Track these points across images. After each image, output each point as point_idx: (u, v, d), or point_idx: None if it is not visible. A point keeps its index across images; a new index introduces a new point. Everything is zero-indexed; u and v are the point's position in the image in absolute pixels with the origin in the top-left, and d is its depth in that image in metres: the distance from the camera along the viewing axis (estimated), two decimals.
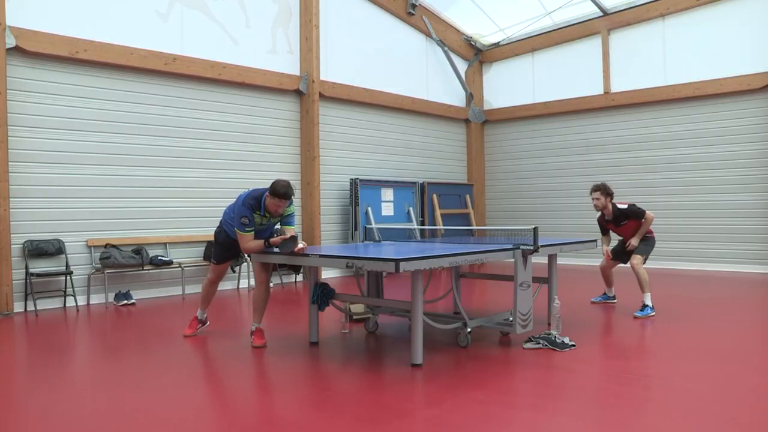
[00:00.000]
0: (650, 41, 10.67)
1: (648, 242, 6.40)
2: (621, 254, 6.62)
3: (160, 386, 3.83)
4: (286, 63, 9.44)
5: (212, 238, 8.35)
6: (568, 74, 11.70)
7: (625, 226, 6.43)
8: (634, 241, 6.31)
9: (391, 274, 9.91)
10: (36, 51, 6.91)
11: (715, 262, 10.00)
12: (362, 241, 6.43)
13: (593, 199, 6.39)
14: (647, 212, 6.30)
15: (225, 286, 8.67)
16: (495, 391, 3.59)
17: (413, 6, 11.22)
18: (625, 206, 6.40)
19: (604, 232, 6.75)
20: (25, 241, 6.89)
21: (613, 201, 6.45)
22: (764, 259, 9.59)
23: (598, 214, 6.63)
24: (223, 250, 5.40)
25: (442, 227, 5.98)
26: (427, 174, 11.85)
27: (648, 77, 10.69)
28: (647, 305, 6.09)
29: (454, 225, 11.44)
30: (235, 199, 5.00)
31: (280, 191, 4.68)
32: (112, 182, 7.60)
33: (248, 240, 4.82)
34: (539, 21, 11.73)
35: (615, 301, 6.93)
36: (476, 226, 12.24)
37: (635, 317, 5.96)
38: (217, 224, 5.40)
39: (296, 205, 9.63)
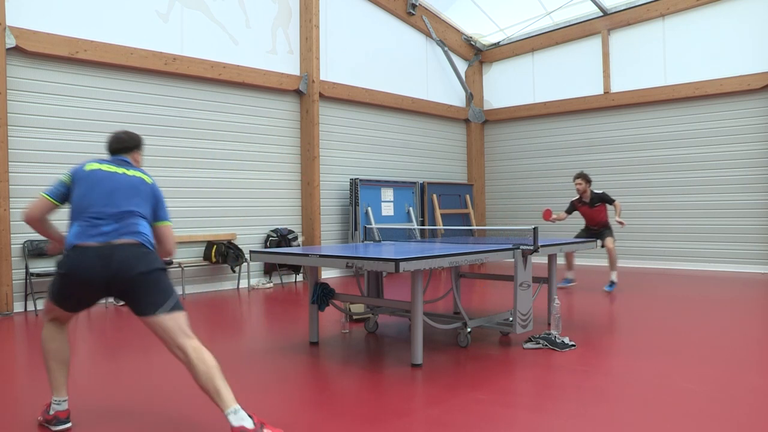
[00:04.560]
0: (650, 41, 10.67)
1: (610, 227, 7.97)
2: (587, 237, 7.88)
3: (159, 386, 3.83)
4: (286, 63, 9.45)
5: (213, 238, 8.47)
6: (568, 74, 11.71)
7: (597, 208, 7.87)
8: (621, 220, 7.60)
9: (391, 274, 9.92)
10: (36, 51, 6.91)
11: (715, 262, 10.00)
12: (362, 241, 6.43)
13: (576, 184, 7.88)
14: (616, 200, 7.89)
15: (224, 286, 8.68)
16: (495, 391, 3.59)
17: (413, 6, 11.22)
18: (600, 191, 7.92)
19: (570, 211, 8.10)
20: (25, 241, 6.89)
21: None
22: (764, 259, 9.59)
23: (575, 197, 8.07)
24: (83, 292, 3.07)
25: (442, 227, 5.99)
26: (427, 174, 11.86)
27: (648, 77, 10.69)
28: (614, 282, 7.70)
29: (454, 225, 11.44)
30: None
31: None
32: None
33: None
34: (539, 21, 11.74)
35: (575, 283, 8.35)
36: (476, 226, 12.24)
37: (606, 291, 7.55)
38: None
39: (296, 205, 9.70)
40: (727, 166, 9.98)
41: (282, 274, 9.28)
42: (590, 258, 11.25)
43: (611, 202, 7.78)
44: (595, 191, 7.90)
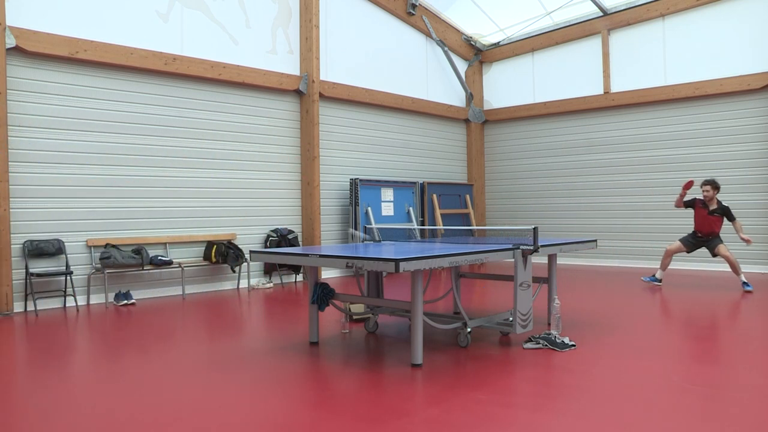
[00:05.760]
0: (650, 41, 10.67)
1: (720, 237, 7.87)
2: (693, 245, 7.99)
3: (159, 386, 3.83)
4: (286, 63, 9.45)
5: (213, 238, 8.47)
6: (568, 74, 11.71)
7: (715, 218, 7.77)
8: (747, 237, 7.56)
9: (391, 274, 9.92)
10: (36, 51, 6.91)
11: (715, 262, 9.99)
12: (362, 241, 6.43)
13: (704, 191, 7.76)
14: (737, 220, 7.82)
15: (224, 286, 8.68)
16: (495, 391, 3.59)
17: (413, 6, 11.22)
18: (726, 206, 7.81)
19: (688, 205, 7.97)
20: (25, 241, 6.89)
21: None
22: (764, 259, 9.59)
23: (689, 198, 8.02)
24: None
25: (442, 227, 6.01)
26: (427, 174, 11.86)
27: (648, 77, 10.69)
28: (746, 282, 7.58)
29: (454, 225, 11.44)
30: None
31: None
32: (112, 182, 7.60)
33: None
34: (539, 21, 11.74)
35: (661, 284, 8.20)
36: (476, 226, 12.24)
37: (748, 291, 7.47)
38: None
39: (296, 205, 9.70)
40: (727, 166, 9.98)
41: (282, 274, 9.28)
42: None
43: (732, 219, 7.70)
44: (723, 203, 7.88)
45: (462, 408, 3.29)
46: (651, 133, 10.76)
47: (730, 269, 8.00)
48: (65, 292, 7.11)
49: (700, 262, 10.05)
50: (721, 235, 7.99)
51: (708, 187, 7.75)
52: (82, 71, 7.39)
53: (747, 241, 7.48)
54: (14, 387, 3.91)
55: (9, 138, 6.77)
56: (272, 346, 4.88)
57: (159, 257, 7.71)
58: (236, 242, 8.74)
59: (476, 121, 12.85)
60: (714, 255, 7.84)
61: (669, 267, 9.22)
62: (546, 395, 3.51)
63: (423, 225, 11.01)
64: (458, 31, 12.47)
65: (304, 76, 9.55)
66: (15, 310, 6.82)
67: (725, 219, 7.77)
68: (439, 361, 4.32)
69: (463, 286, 8.35)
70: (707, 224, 7.82)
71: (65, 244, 7.17)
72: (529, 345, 4.69)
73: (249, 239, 8.98)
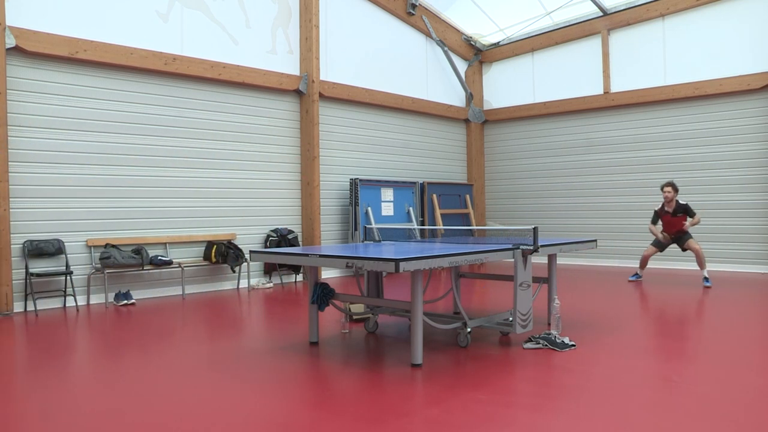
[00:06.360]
0: (650, 41, 10.68)
1: (688, 232, 8.35)
2: (664, 245, 8.46)
3: (159, 386, 3.83)
4: (286, 63, 9.45)
5: (213, 238, 8.48)
6: (568, 74, 11.71)
7: (678, 218, 8.25)
8: (689, 225, 8.18)
9: (391, 274, 9.92)
10: (36, 51, 6.91)
11: (715, 262, 10.00)
12: (362, 241, 6.44)
13: (665, 192, 8.24)
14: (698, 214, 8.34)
15: (224, 286, 8.68)
16: (495, 391, 3.59)
17: (413, 6, 11.22)
18: (684, 203, 8.31)
19: (656, 221, 8.48)
20: (25, 241, 6.89)
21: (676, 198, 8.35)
22: (764, 259, 9.59)
23: (658, 206, 8.46)
24: None
25: (441, 227, 6.01)
26: (427, 174, 11.86)
27: (648, 77, 10.69)
28: (707, 278, 8.10)
29: (454, 225, 11.44)
30: None
31: None
32: (112, 182, 7.60)
33: None
34: (539, 21, 11.74)
35: (642, 278, 8.87)
36: (476, 226, 12.24)
37: (706, 287, 7.94)
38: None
39: (296, 205, 9.71)
40: (727, 166, 9.98)
41: (282, 274, 9.28)
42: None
43: (693, 215, 8.21)
44: (680, 202, 8.30)
45: (462, 408, 3.29)
46: (650, 133, 10.76)
47: (717, 269, 8.35)
48: (65, 292, 7.11)
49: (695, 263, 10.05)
50: (690, 231, 8.50)
51: (669, 188, 8.25)
52: (82, 71, 7.39)
53: (692, 224, 8.13)
54: (14, 387, 3.91)
55: (9, 138, 6.77)
56: (272, 346, 4.88)
57: (159, 257, 7.71)
58: (236, 242, 8.74)
59: (476, 121, 12.85)
60: (684, 249, 8.36)
61: (665, 267, 9.26)
62: (546, 395, 3.51)
63: (423, 225, 11.01)
64: (458, 31, 12.47)
65: (304, 76, 9.55)
66: (15, 310, 6.82)
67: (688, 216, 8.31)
68: (439, 361, 4.32)
69: (463, 286, 8.35)
70: (674, 225, 8.33)
71: (65, 244, 7.17)
72: (529, 345, 4.69)
73: (249, 239, 8.98)
